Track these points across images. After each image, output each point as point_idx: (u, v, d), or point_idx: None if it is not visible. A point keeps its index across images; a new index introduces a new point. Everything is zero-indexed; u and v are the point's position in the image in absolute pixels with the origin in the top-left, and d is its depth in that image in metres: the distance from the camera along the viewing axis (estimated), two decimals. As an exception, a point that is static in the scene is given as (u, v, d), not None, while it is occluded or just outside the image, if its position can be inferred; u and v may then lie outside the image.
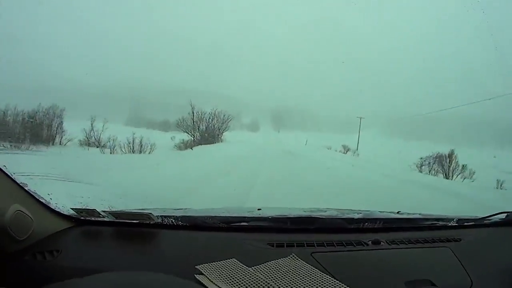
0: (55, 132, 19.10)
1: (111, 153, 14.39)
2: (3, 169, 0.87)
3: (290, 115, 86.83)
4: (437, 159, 16.63)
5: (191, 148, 17.62)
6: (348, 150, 26.91)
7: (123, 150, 14.66)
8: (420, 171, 16.70)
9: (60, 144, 18.19)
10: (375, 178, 10.73)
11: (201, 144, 20.67)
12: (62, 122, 19.17)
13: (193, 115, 20.88)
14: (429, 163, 16.82)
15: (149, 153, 14.72)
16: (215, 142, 22.02)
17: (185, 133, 20.87)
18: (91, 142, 17.25)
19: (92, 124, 16.50)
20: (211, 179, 6.93)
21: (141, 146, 14.78)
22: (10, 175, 0.89)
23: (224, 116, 22.73)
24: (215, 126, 22.47)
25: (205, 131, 21.56)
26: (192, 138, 20.80)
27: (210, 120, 21.84)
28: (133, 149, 14.73)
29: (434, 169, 16.59)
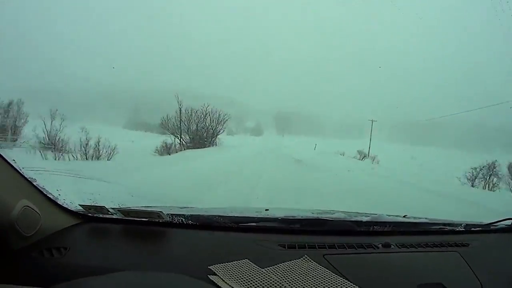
0: (8, 132, 15.51)
1: (56, 159, 10.12)
2: (12, 163, 0.82)
3: (295, 120, 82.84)
4: (493, 170, 12.01)
5: (169, 154, 13.36)
6: (364, 156, 22.26)
7: (74, 155, 10.38)
8: (472, 185, 12.14)
9: (14, 145, 14.69)
10: (435, 202, 6.57)
11: (189, 148, 16.38)
12: (16, 121, 15.69)
13: (180, 114, 16.57)
14: (484, 175, 12.24)
15: (108, 159, 10.44)
16: (208, 146, 17.72)
17: (175, 135, 16.58)
18: (47, 144, 13.02)
19: (45, 124, 12.25)
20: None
21: (98, 150, 10.49)
22: (19, 170, 0.84)
23: (219, 115, 18.36)
24: (209, 127, 18.10)
25: (195, 133, 17.22)
26: (179, 141, 16.50)
27: (202, 119, 17.49)
28: (86, 154, 10.45)
29: (491, 183, 11.98)
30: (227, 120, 18.76)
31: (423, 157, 28.86)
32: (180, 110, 16.55)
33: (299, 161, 12.36)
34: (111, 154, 10.51)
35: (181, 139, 16.68)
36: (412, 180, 10.39)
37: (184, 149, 16.42)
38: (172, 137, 16.76)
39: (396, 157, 25.24)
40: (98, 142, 10.66)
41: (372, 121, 33.47)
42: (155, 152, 14.47)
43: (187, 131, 16.81)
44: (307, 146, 29.82)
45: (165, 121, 16.29)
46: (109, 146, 10.62)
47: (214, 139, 18.61)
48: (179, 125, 16.50)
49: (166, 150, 14.89)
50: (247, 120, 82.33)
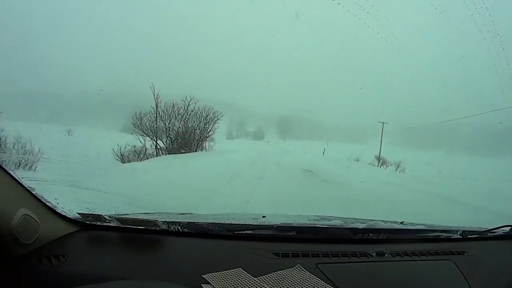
0: None
1: None
2: (11, 173, 0.82)
3: (296, 124, 79.33)
4: None
5: (125, 162, 9.68)
6: (384, 163, 18.39)
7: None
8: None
9: None
10: None
11: (169, 153, 12.74)
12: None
13: (157, 110, 12.89)
14: None
15: (29, 169, 6.78)
16: (194, 151, 14.05)
17: (150, 137, 12.87)
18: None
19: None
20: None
21: (16, 155, 6.85)
22: (18, 179, 0.84)
23: (209, 113, 14.64)
24: (195, 127, 14.40)
25: (177, 135, 13.51)
26: (155, 145, 12.81)
27: (185, 118, 13.79)
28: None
29: None
30: (219, 119, 15.02)
31: (439, 163, 25.39)
32: (157, 106, 12.82)
33: (310, 172, 8.61)
34: (32, 164, 6.79)
35: (157, 142, 12.97)
36: (476, 202, 6.66)
37: (162, 154, 12.76)
38: (149, 139, 13.08)
39: (411, 163, 21.41)
40: (17, 143, 6.98)
41: (383, 123, 29.84)
42: (116, 158, 10.76)
43: (167, 132, 13.10)
44: (312, 150, 26.19)
45: (137, 119, 12.54)
46: (31, 150, 6.93)
47: (202, 142, 14.89)
48: (155, 125, 12.76)
49: (136, 155, 11.20)
50: (248, 124, 79.19)
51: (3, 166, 0.79)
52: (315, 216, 1.36)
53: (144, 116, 12.64)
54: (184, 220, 1.06)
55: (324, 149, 24.38)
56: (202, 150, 14.86)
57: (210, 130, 15.03)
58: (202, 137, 14.69)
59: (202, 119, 14.38)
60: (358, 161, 18.26)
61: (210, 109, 14.60)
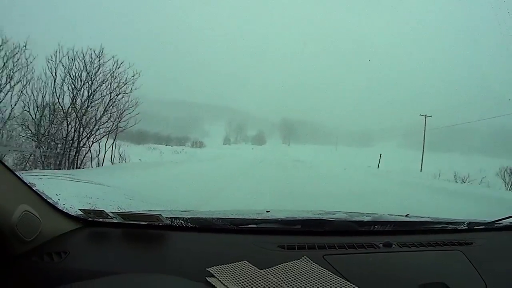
0: None
1: None
2: (11, 169, 0.78)
3: (301, 127, 70.39)
4: None
5: None
6: None
7: None
8: None
9: None
10: None
11: None
12: None
13: None
14: None
15: None
16: (65, 166, 4.91)
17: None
18: None
19: None
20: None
21: None
22: (18, 175, 0.79)
23: (105, 81, 5.51)
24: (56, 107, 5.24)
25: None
26: None
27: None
28: None
29: None
30: (134, 106, 5.84)
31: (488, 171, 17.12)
32: None
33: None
34: None
35: None
36: None
37: None
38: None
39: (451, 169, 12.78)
40: None
41: (426, 116, 20.94)
42: None
43: None
44: (330, 156, 17.17)
45: None
46: None
47: (83, 147, 5.64)
48: None
49: None
50: (248, 128, 70.52)
51: (3, 161, 0.74)
52: (319, 210, 1.29)
53: None
54: (188, 216, 0.99)
55: (380, 155, 14.95)
56: (86, 166, 5.69)
57: (118, 118, 5.81)
58: (88, 134, 5.48)
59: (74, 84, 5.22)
60: (465, 182, 8.85)
61: (100, 64, 5.46)
